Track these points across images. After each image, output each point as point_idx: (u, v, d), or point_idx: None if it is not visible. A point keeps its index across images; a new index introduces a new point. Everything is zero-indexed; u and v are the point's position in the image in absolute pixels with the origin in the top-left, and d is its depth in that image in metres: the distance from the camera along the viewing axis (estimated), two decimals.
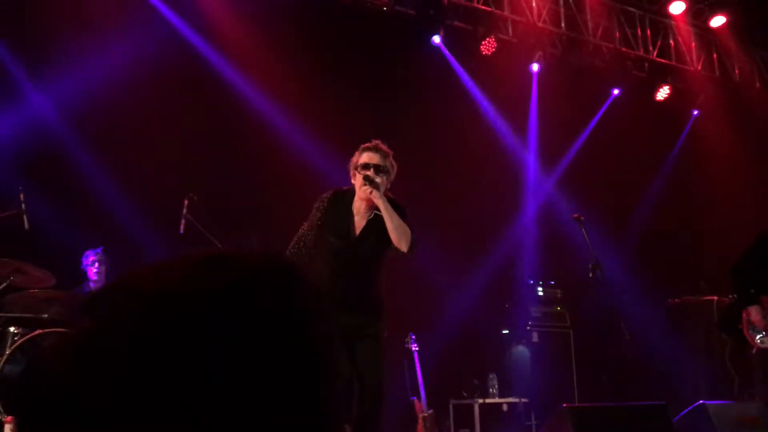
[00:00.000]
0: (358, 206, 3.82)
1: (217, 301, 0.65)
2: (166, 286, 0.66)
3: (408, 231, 3.68)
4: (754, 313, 4.69)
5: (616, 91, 8.88)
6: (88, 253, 5.82)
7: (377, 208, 3.73)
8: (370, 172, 3.70)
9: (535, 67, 8.23)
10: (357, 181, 3.75)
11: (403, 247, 3.67)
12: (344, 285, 3.70)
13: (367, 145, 3.81)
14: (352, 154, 3.89)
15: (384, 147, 3.80)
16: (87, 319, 0.68)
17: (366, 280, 3.81)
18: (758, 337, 4.73)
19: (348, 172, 3.88)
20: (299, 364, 0.66)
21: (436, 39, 7.63)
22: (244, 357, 0.63)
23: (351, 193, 3.84)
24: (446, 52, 7.89)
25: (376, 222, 3.77)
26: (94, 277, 5.77)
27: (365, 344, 3.75)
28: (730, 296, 5.41)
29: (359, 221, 3.82)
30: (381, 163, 3.74)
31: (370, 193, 3.66)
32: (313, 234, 3.85)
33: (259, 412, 0.63)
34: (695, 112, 9.42)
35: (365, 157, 3.76)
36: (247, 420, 0.62)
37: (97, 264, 5.77)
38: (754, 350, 4.77)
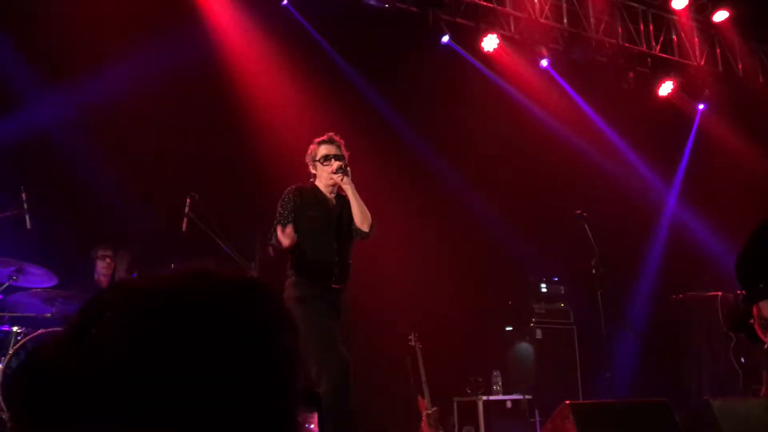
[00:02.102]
0: (325, 190, 4.30)
1: (204, 312, 0.76)
2: (161, 298, 0.77)
3: (369, 215, 4.20)
4: (766, 308, 4.61)
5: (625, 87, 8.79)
6: (101, 248, 5.87)
7: (335, 192, 4.29)
8: (333, 161, 4.20)
9: (544, 62, 8.18)
10: (321, 170, 4.26)
11: (365, 227, 4.19)
12: (331, 258, 4.12)
13: (322, 138, 4.30)
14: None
15: (337, 138, 4.32)
16: (85, 316, 0.77)
17: (347, 253, 4.24)
18: None
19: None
20: (267, 368, 0.78)
21: (445, 38, 7.57)
22: (223, 362, 0.74)
23: (309, 185, 4.32)
24: (459, 50, 7.84)
25: (341, 200, 4.28)
26: (103, 272, 5.84)
27: (338, 324, 4.14)
28: (738, 291, 5.35)
29: (330, 197, 4.33)
30: (339, 153, 4.26)
31: (341, 180, 4.15)
32: (290, 220, 4.12)
33: (228, 406, 0.73)
34: (701, 107, 9.36)
35: (324, 149, 4.27)
36: (217, 415, 0.72)
37: (107, 259, 5.85)
38: (766, 346, 4.72)
